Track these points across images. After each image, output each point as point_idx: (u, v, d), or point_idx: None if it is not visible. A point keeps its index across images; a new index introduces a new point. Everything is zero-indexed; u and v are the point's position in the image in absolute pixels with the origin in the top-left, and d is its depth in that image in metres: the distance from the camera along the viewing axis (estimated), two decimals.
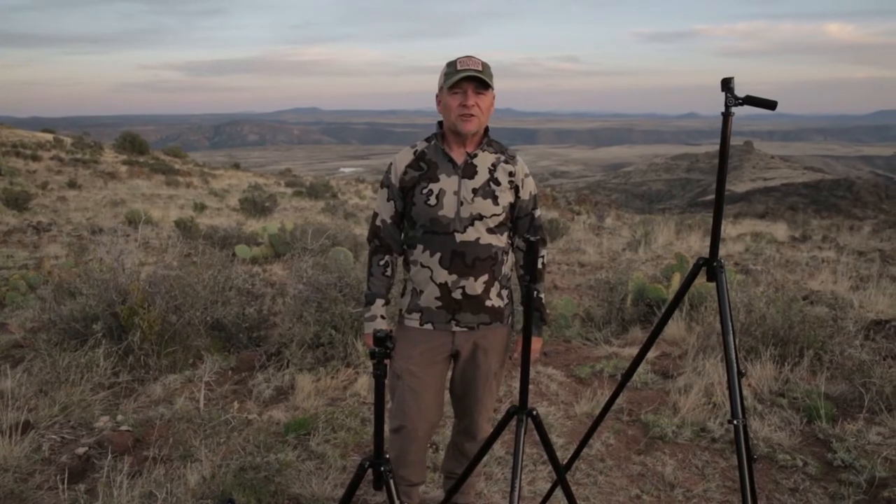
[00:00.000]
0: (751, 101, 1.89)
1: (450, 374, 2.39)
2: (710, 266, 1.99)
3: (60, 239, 10.51)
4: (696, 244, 9.80)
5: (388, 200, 2.26)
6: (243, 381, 3.94)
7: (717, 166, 1.97)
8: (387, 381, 2.25)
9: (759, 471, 2.99)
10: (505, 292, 2.30)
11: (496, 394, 2.44)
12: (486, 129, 2.23)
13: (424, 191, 2.17)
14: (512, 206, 2.25)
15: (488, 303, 2.23)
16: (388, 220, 2.26)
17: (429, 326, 2.24)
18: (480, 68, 2.11)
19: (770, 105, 1.90)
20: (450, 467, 2.55)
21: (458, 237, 2.16)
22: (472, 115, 2.12)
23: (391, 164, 2.26)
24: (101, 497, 2.36)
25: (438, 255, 2.17)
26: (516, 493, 1.77)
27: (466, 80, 2.09)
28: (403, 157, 2.25)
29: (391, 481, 1.71)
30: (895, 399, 3.52)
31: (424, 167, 2.20)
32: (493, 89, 2.16)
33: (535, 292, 2.28)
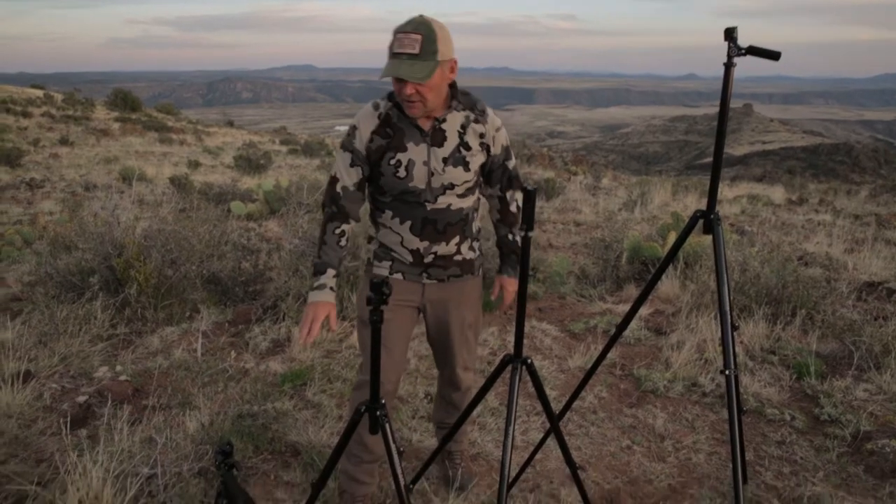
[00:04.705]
0: (754, 51, 1.86)
1: (425, 328, 2.35)
2: (708, 218, 1.99)
3: (54, 195, 10.44)
4: (693, 205, 9.78)
5: (353, 166, 2.07)
6: (240, 333, 3.97)
7: (715, 129, 1.95)
8: (358, 335, 2.24)
9: (747, 424, 3.05)
10: (476, 244, 2.26)
11: (475, 345, 2.41)
12: (454, 86, 2.02)
13: (392, 161, 2.02)
14: (483, 165, 2.15)
15: (458, 257, 2.18)
16: (351, 187, 2.08)
17: (398, 276, 2.18)
18: (417, 50, 1.84)
19: (774, 56, 1.87)
20: (440, 417, 2.58)
21: (430, 206, 2.07)
22: (413, 103, 1.92)
23: (354, 127, 2.06)
24: (102, 442, 2.40)
25: (409, 223, 2.09)
26: (510, 440, 1.80)
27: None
28: (368, 121, 2.05)
29: (387, 425, 1.74)
30: (884, 357, 3.57)
31: (391, 133, 2.03)
32: (439, 66, 1.87)
33: (512, 235, 2.31)
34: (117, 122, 24.77)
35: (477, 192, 2.20)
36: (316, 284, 2.06)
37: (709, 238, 2.02)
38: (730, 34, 1.84)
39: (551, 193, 10.45)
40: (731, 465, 2.71)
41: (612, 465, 2.77)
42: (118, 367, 3.38)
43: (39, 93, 31.83)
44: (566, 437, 2.88)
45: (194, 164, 15.16)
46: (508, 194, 2.26)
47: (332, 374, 3.42)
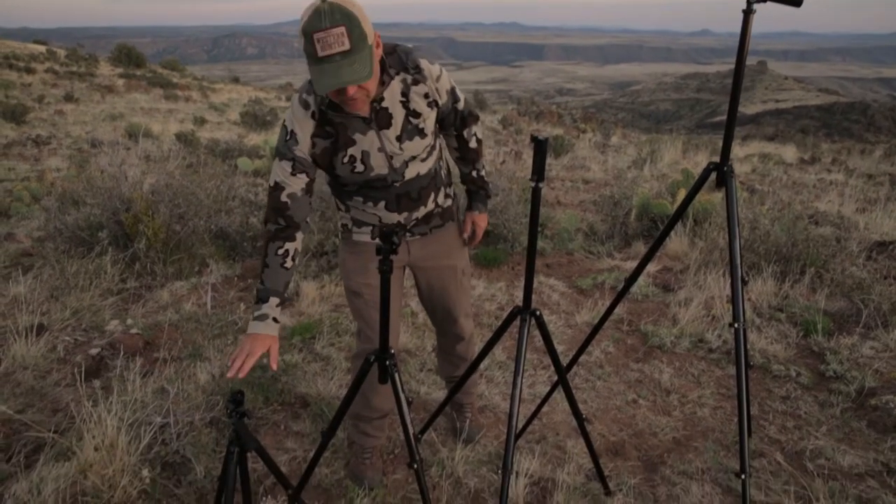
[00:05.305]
0: None
1: (417, 291, 2.33)
2: (721, 171, 1.95)
3: (60, 152, 10.42)
4: (704, 163, 9.65)
5: (296, 174, 1.85)
6: (248, 287, 4.00)
7: (729, 87, 1.90)
8: (349, 302, 2.15)
9: (752, 380, 3.07)
10: (449, 189, 2.20)
11: (469, 289, 2.40)
12: (381, 60, 1.80)
13: (345, 159, 1.88)
14: (436, 119, 2.00)
15: (437, 210, 2.14)
16: (299, 193, 1.87)
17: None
18: (349, 45, 1.58)
19: (795, 2, 1.81)
20: (448, 372, 2.57)
21: (399, 183, 1.98)
22: (356, 101, 1.74)
23: (292, 132, 1.84)
24: (115, 392, 2.44)
25: (383, 202, 2.01)
26: (518, 391, 1.82)
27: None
28: (304, 124, 1.84)
29: (396, 374, 1.76)
30: (892, 316, 3.56)
31: (332, 132, 1.85)
32: (373, 50, 1.67)
33: (476, 171, 2.25)
34: (122, 78, 24.49)
35: (438, 144, 2.11)
36: (256, 314, 1.83)
37: (718, 196, 2.00)
38: None
39: (560, 151, 10.33)
40: (735, 419, 2.74)
41: (618, 418, 2.81)
42: (129, 321, 3.42)
43: (42, 48, 31.44)
44: (573, 391, 2.91)
45: (200, 121, 15.05)
46: (465, 132, 2.13)
47: (341, 327, 3.45)
